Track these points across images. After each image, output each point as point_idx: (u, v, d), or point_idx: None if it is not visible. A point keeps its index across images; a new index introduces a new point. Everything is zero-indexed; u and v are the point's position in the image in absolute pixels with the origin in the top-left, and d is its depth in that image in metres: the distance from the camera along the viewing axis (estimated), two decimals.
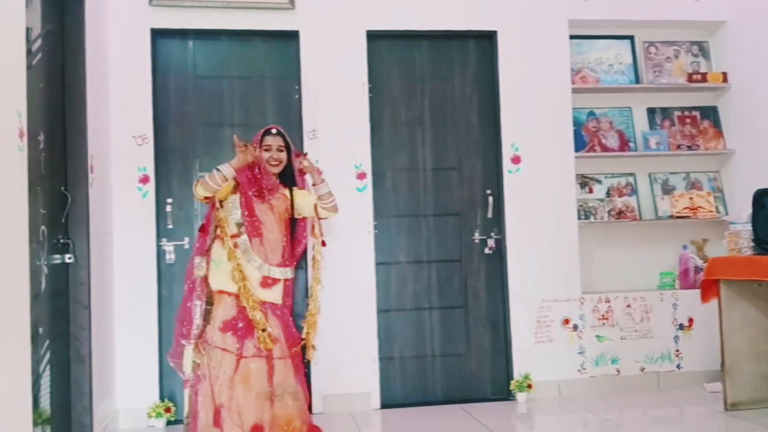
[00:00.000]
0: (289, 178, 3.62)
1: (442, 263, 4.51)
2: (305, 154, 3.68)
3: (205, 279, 3.42)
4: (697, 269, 4.66)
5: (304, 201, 3.59)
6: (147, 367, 4.08)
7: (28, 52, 2.66)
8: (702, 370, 4.57)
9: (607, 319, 4.54)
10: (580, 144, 4.70)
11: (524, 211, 4.49)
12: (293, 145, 3.68)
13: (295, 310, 3.86)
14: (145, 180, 4.17)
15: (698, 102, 4.96)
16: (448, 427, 3.88)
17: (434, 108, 4.57)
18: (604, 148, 4.77)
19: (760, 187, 3.94)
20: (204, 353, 3.33)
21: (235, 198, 3.45)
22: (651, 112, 4.92)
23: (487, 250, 4.52)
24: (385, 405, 4.31)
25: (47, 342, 3.05)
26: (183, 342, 3.42)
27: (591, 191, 4.79)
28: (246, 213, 3.42)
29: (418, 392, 4.42)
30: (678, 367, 4.58)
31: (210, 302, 3.40)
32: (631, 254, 4.80)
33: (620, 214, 4.76)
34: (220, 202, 3.43)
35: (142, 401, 4.04)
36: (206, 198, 3.42)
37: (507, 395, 4.44)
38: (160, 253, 4.20)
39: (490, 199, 4.53)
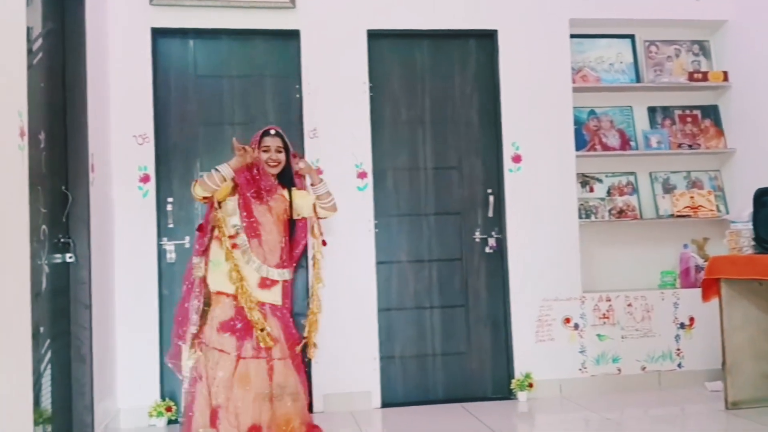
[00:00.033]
0: (287, 178, 3.62)
1: (442, 262, 4.51)
2: (302, 157, 3.66)
3: (204, 280, 3.42)
4: (698, 268, 4.66)
5: (303, 201, 3.58)
6: (148, 366, 4.08)
7: (29, 51, 2.66)
8: (703, 369, 4.56)
9: (608, 318, 4.54)
10: (580, 143, 4.70)
11: (525, 210, 4.49)
12: (292, 146, 3.67)
13: (295, 309, 3.87)
14: (145, 179, 4.17)
15: (699, 101, 4.96)
16: (448, 426, 3.88)
17: (435, 107, 4.57)
18: (605, 147, 4.77)
19: (761, 186, 3.94)
20: (201, 353, 3.33)
21: (234, 199, 3.45)
22: (652, 111, 4.92)
23: (487, 249, 4.52)
24: (385, 404, 4.32)
25: (48, 341, 3.05)
26: (180, 343, 3.42)
27: (592, 190, 4.79)
28: (244, 214, 3.41)
29: (418, 391, 4.42)
30: (679, 366, 4.58)
31: (207, 303, 3.40)
32: (632, 253, 4.80)
33: (621, 213, 4.76)
34: (219, 203, 3.43)
35: (143, 400, 4.05)
36: (204, 198, 3.42)
37: (508, 394, 4.44)
38: (161, 253, 4.20)
39: (491, 198, 4.53)
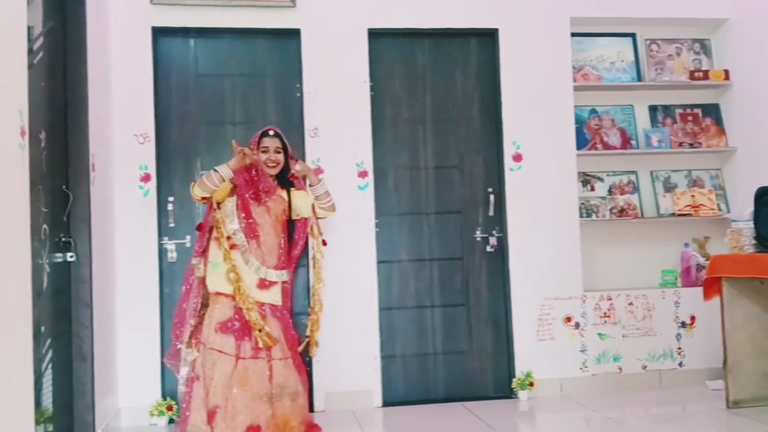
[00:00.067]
0: (286, 179, 3.61)
1: (443, 261, 4.51)
2: (297, 160, 3.64)
3: (202, 280, 3.42)
4: (699, 267, 4.66)
5: (302, 201, 3.57)
6: (149, 365, 4.08)
7: (30, 50, 2.66)
8: (704, 367, 4.56)
9: (609, 316, 4.54)
10: (581, 142, 4.70)
11: (526, 209, 4.49)
12: (290, 147, 3.66)
13: (295, 309, 3.87)
14: (146, 178, 4.17)
15: (700, 99, 4.96)
16: (449, 425, 3.88)
17: (436, 106, 4.56)
18: (606, 146, 4.76)
19: (762, 184, 3.94)
20: (199, 354, 3.33)
21: (233, 200, 3.44)
22: (653, 109, 4.92)
23: (488, 248, 4.52)
24: (386, 403, 4.32)
25: (49, 340, 3.06)
26: (178, 344, 3.42)
27: (593, 189, 4.79)
28: (243, 215, 3.41)
29: (419, 390, 4.42)
30: (680, 364, 4.58)
31: (205, 303, 3.41)
32: (633, 252, 4.80)
33: (622, 211, 4.76)
34: (218, 203, 3.43)
35: (144, 399, 4.05)
36: (203, 198, 3.42)
37: (509, 393, 4.44)
38: (162, 252, 4.20)
39: (492, 197, 4.53)
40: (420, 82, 4.57)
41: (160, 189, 4.22)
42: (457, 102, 4.58)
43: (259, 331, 3.26)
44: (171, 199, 4.22)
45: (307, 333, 3.56)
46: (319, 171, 4.27)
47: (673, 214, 4.75)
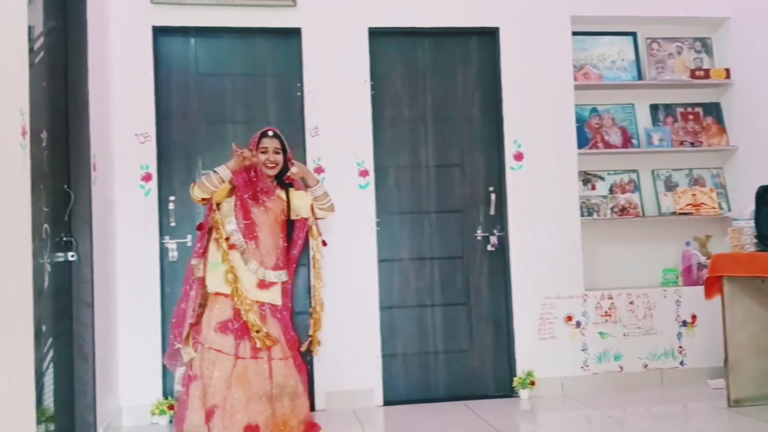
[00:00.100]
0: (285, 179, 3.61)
1: (444, 260, 4.51)
2: (294, 162, 3.61)
3: (201, 280, 3.42)
4: (700, 266, 4.66)
5: (301, 202, 3.56)
6: (150, 364, 4.08)
7: (31, 50, 2.66)
8: (705, 366, 4.56)
9: (610, 315, 4.54)
10: (582, 141, 4.70)
11: (527, 208, 4.49)
12: (289, 148, 3.64)
13: (296, 308, 3.87)
14: (147, 178, 4.18)
15: (701, 98, 4.96)
16: (450, 424, 3.88)
17: (436, 105, 4.56)
18: (607, 145, 4.76)
19: (763, 183, 3.94)
20: (197, 354, 3.33)
21: (231, 201, 3.44)
22: (654, 108, 4.92)
23: (489, 247, 4.52)
24: (387, 402, 4.32)
25: (50, 340, 3.06)
26: (176, 344, 3.42)
27: (594, 188, 4.79)
28: (242, 216, 3.41)
29: (420, 389, 4.43)
30: (681, 363, 4.58)
31: (203, 303, 3.41)
32: (634, 251, 4.80)
33: (623, 210, 4.76)
34: (217, 204, 3.43)
35: (146, 398, 4.05)
36: (203, 200, 3.42)
37: (510, 392, 4.44)
38: (163, 251, 4.20)
39: (493, 196, 4.53)
40: (421, 81, 4.57)
41: (161, 188, 4.22)
42: (458, 101, 4.58)
43: (257, 332, 3.26)
44: (172, 198, 4.22)
45: (310, 332, 3.56)
46: (319, 170, 4.28)
47: (674, 213, 4.75)
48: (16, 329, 2.28)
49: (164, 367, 4.07)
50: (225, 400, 3.22)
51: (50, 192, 3.08)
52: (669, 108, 4.92)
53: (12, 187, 2.28)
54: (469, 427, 3.79)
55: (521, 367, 4.42)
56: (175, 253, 4.20)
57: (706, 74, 4.81)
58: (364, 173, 4.38)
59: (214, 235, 3.42)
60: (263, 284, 3.40)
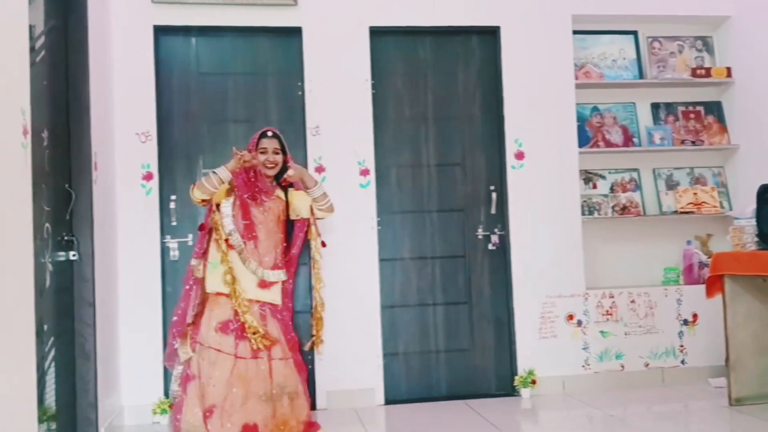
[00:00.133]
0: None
1: (445, 259, 4.51)
2: (291, 165, 3.59)
3: (201, 281, 3.42)
4: (702, 264, 4.66)
5: (301, 202, 3.56)
6: (151, 363, 4.09)
7: (32, 49, 2.66)
8: (706, 365, 4.56)
9: (611, 314, 4.54)
10: (583, 139, 4.70)
11: (528, 206, 4.49)
12: (288, 149, 3.64)
13: (296, 307, 3.86)
14: (148, 177, 4.18)
15: (702, 97, 4.95)
16: (452, 423, 3.88)
17: (437, 104, 4.56)
18: (608, 144, 4.76)
19: (764, 182, 3.93)
20: (194, 353, 3.33)
21: (229, 202, 3.44)
22: (655, 107, 4.91)
23: (490, 246, 4.52)
24: (389, 401, 4.32)
25: (52, 339, 3.06)
26: (174, 344, 3.42)
27: (595, 187, 4.78)
28: (241, 216, 3.41)
29: (422, 388, 4.43)
30: (682, 362, 4.58)
31: (202, 303, 3.41)
32: (635, 250, 4.80)
33: (624, 209, 4.75)
34: (217, 205, 3.43)
35: (147, 397, 4.06)
36: (203, 201, 3.42)
37: (511, 391, 4.44)
38: (164, 250, 4.21)
39: (494, 195, 4.52)
40: (422, 80, 4.57)
41: (162, 187, 4.22)
42: (459, 100, 4.58)
43: (253, 334, 3.26)
44: (173, 197, 4.22)
45: (313, 332, 3.57)
46: (320, 170, 4.28)
47: (675, 212, 4.75)
48: (18, 328, 2.28)
49: (165, 366, 4.08)
50: (225, 399, 3.22)
51: (51, 191, 3.09)
52: (670, 107, 4.92)
53: (13, 187, 2.28)
54: (470, 426, 3.79)
55: (522, 366, 4.42)
56: (177, 253, 4.20)
57: (707, 73, 4.81)
58: (365, 172, 4.38)
59: (214, 236, 3.42)
60: (264, 283, 3.40)
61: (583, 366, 4.49)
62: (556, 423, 4.00)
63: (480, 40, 4.62)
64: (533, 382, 4.36)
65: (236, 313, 3.30)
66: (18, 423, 2.26)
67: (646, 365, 4.55)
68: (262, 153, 3.49)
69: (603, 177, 4.81)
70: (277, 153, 3.51)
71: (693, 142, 4.82)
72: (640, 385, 4.47)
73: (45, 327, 2.91)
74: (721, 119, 4.92)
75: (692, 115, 4.92)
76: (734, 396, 3.90)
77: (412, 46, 4.57)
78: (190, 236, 4.20)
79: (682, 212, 4.71)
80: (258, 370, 3.29)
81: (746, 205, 4.17)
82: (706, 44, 4.97)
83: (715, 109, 4.94)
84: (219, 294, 3.37)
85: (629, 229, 4.82)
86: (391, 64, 4.54)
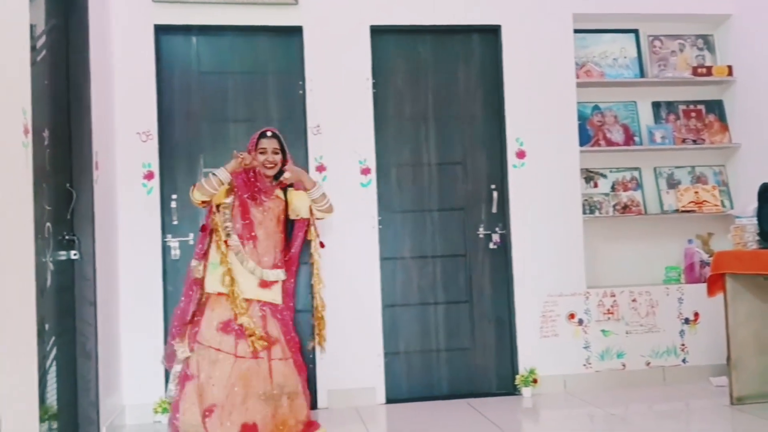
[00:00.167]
0: None
1: (446, 258, 4.51)
2: (287, 168, 3.57)
3: (200, 281, 3.42)
4: (703, 263, 4.66)
5: (301, 202, 3.55)
6: (152, 362, 4.06)
7: (32, 48, 2.66)
8: (708, 364, 4.56)
9: (612, 313, 4.54)
10: (584, 138, 4.69)
11: (529, 205, 4.49)
12: (287, 149, 3.63)
13: (298, 306, 3.86)
14: (149, 176, 4.18)
15: (703, 96, 4.95)
16: (453, 422, 3.88)
17: (438, 103, 4.56)
18: (609, 143, 4.76)
19: (766, 180, 3.93)
20: (193, 353, 3.33)
21: (229, 202, 3.44)
22: (656, 106, 4.91)
23: (491, 245, 4.52)
24: (390, 400, 4.32)
25: (53, 338, 3.06)
26: (173, 344, 3.42)
27: (596, 186, 4.78)
28: (240, 216, 3.41)
29: (423, 387, 4.43)
30: (683, 361, 4.58)
31: (201, 303, 3.41)
32: (636, 249, 4.80)
33: (625, 208, 4.75)
34: (217, 206, 3.43)
35: (148, 397, 4.06)
36: (203, 202, 3.42)
37: (512, 390, 4.44)
38: (165, 249, 4.21)
39: (495, 193, 4.52)
40: (422, 79, 4.56)
41: (163, 187, 4.22)
42: (460, 99, 4.58)
43: (250, 336, 3.26)
44: (174, 196, 4.22)
45: (316, 332, 3.57)
46: (321, 168, 4.28)
47: (676, 211, 4.74)
48: (19, 327, 2.28)
49: (164, 367, 4.08)
50: (225, 398, 3.22)
51: (52, 190, 3.09)
52: (671, 105, 4.92)
53: (14, 186, 2.28)
54: (471, 424, 3.79)
55: (524, 364, 4.42)
56: (178, 252, 4.20)
57: (709, 71, 4.80)
58: (365, 171, 4.38)
59: (214, 237, 3.43)
60: (265, 283, 3.40)
61: (585, 365, 4.49)
62: (557, 422, 4.00)
63: (481, 39, 4.62)
64: (534, 381, 4.36)
65: (236, 315, 3.30)
66: (19, 422, 2.26)
67: (648, 364, 4.54)
68: (261, 153, 3.49)
69: (604, 176, 4.81)
70: (276, 153, 3.51)
71: (694, 141, 4.82)
72: (641, 384, 4.47)
73: (46, 326, 2.91)
74: (722, 118, 4.91)
75: (693, 114, 4.91)
76: (735, 395, 3.90)
77: (413, 45, 4.57)
78: (191, 235, 4.20)
79: (683, 211, 4.71)
80: (258, 370, 3.29)
81: (747, 204, 4.17)
82: (707, 43, 4.96)
83: (716, 107, 4.93)
84: (221, 294, 3.37)
85: (630, 227, 4.82)
86: (392, 63, 4.54)
